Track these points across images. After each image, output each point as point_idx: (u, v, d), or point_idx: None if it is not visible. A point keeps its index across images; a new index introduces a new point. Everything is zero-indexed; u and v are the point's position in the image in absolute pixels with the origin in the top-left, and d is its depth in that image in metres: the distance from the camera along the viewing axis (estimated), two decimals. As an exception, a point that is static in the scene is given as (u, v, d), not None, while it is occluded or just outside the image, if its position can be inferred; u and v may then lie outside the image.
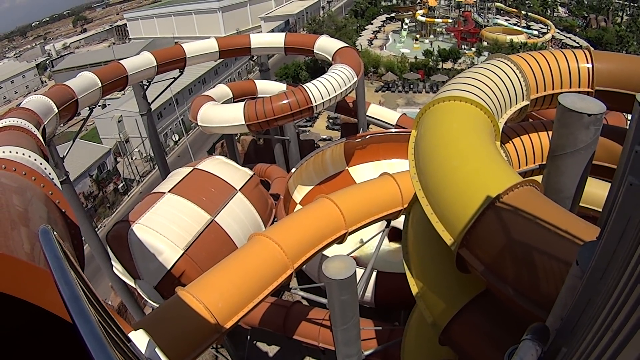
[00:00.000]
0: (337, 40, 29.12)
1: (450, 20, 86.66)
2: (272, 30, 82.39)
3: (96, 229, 28.36)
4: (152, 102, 30.21)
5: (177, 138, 64.84)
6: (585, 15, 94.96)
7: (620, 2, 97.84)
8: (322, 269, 9.99)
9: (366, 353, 13.70)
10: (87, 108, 22.36)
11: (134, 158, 61.60)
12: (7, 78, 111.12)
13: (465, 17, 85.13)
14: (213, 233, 17.64)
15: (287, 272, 10.94)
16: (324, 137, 49.62)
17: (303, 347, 18.52)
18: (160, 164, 32.86)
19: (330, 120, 54.27)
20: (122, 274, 17.18)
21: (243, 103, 22.11)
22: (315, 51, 28.03)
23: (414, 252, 9.62)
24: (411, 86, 64.29)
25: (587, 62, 10.79)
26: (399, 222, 13.22)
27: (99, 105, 41.11)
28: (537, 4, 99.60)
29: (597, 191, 11.46)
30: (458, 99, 8.74)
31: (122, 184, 56.52)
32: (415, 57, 69.26)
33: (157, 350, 2.68)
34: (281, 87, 31.21)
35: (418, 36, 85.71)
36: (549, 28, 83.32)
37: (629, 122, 16.32)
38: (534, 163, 12.22)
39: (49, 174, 5.54)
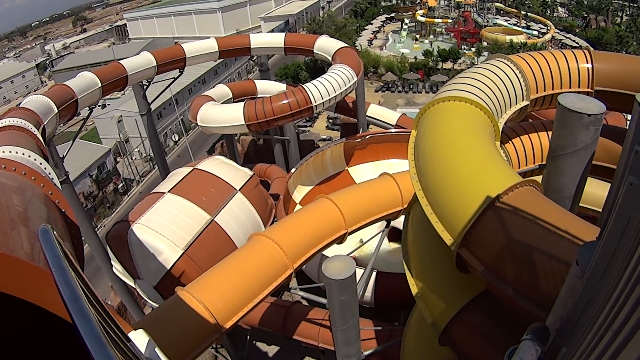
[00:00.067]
0: (337, 41, 29.11)
1: (450, 21, 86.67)
2: (272, 31, 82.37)
3: (96, 229, 28.35)
4: (152, 102, 30.21)
5: (176, 138, 64.83)
6: (585, 15, 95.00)
7: (620, 2, 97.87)
8: (321, 269, 9.99)
9: (366, 353, 13.70)
10: (87, 108, 22.35)
11: (133, 158, 61.59)
12: (7, 78, 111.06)
13: (465, 17, 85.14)
14: (213, 233, 17.64)
15: (286, 272, 10.94)
16: (324, 137, 49.63)
17: (303, 347, 18.51)
18: (160, 164, 32.86)
19: (330, 121, 54.27)
20: (121, 273, 17.18)
21: (243, 103, 22.11)
22: (315, 51, 28.03)
23: (414, 252, 9.62)
24: (411, 86, 64.31)
25: (587, 63, 10.79)
26: (398, 222, 13.22)
27: (99, 105, 41.14)
28: (537, 4, 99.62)
29: (597, 191, 11.46)
30: (458, 99, 8.74)
31: (121, 184, 56.50)
32: (415, 57, 69.29)
33: (157, 350, 2.68)
34: (281, 87, 31.20)
35: (418, 36, 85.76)
36: (549, 28, 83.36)
37: (628, 122, 16.33)
38: (534, 163, 12.22)
39: (49, 173, 5.54)
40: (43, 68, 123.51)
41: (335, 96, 22.16)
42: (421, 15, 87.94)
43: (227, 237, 17.96)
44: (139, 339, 2.61)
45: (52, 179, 5.29)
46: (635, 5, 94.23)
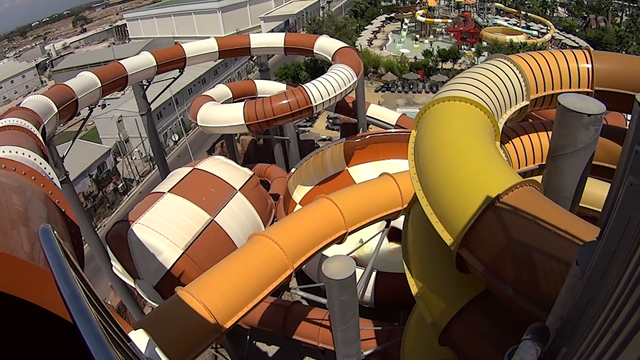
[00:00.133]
0: (337, 41, 29.12)
1: (449, 21, 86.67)
2: (272, 31, 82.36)
3: (96, 229, 28.34)
4: (152, 102, 30.21)
5: (176, 138, 64.81)
6: (585, 15, 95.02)
7: (620, 2, 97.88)
8: (321, 269, 9.99)
9: (366, 353, 13.70)
10: (87, 108, 22.34)
11: (133, 158, 61.58)
12: (6, 78, 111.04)
13: (465, 17, 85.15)
14: (213, 233, 17.64)
15: (286, 272, 10.94)
16: (324, 137, 49.62)
17: (302, 347, 18.51)
18: (160, 164, 32.86)
19: (330, 121, 54.27)
20: (121, 273, 17.18)
21: (243, 103, 22.12)
22: (315, 51, 28.03)
23: (414, 252, 9.62)
24: (411, 86, 64.31)
25: (587, 63, 10.79)
26: (398, 222, 13.22)
27: (99, 105, 41.11)
28: (537, 4, 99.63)
29: (596, 191, 11.46)
30: (458, 99, 8.74)
31: (121, 184, 56.48)
32: (415, 57, 69.28)
33: (157, 349, 2.68)
34: (281, 87, 31.20)
35: (418, 36, 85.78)
36: (549, 28, 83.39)
37: (628, 122, 16.32)
38: (534, 163, 12.22)
39: (49, 173, 5.54)
40: (43, 68, 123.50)
41: (335, 96, 22.16)
42: (421, 15, 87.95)
43: (227, 237, 17.96)
44: (139, 338, 2.61)
45: (52, 178, 5.29)
46: (635, 5, 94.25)
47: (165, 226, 16.83)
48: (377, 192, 13.68)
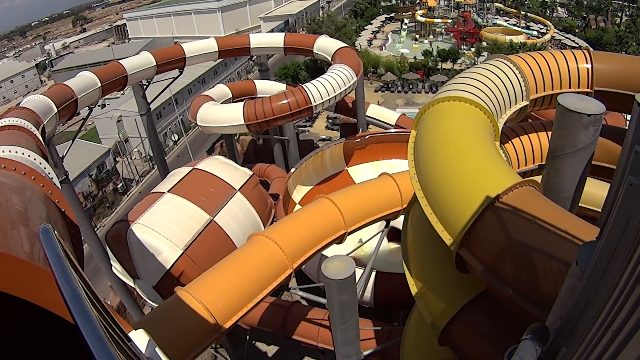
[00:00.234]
0: (337, 41, 29.13)
1: (449, 21, 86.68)
2: (272, 30, 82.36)
3: (95, 229, 28.34)
4: (152, 102, 30.21)
5: (176, 138, 64.78)
6: (585, 15, 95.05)
7: (620, 2, 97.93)
8: (321, 269, 9.99)
9: (365, 353, 13.70)
10: (87, 108, 22.34)
11: (133, 158, 61.54)
12: (6, 78, 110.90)
13: (465, 17, 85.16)
14: (212, 233, 17.64)
15: (286, 272, 10.94)
16: (323, 137, 49.62)
17: (302, 347, 18.52)
18: (160, 164, 32.86)
19: (330, 121, 54.26)
20: (121, 273, 17.17)
21: (242, 103, 22.12)
22: (314, 51, 28.03)
23: (413, 252, 9.62)
24: (410, 86, 64.29)
25: (587, 63, 10.80)
26: (398, 222, 13.23)
27: (99, 105, 41.09)
28: (537, 4, 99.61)
29: (596, 191, 11.47)
30: (457, 99, 8.74)
31: (121, 184, 56.45)
32: (415, 58, 69.27)
33: (157, 349, 2.68)
34: (280, 87, 31.21)
35: (417, 36, 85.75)
36: (549, 28, 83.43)
37: (628, 122, 16.34)
38: (534, 163, 12.22)
39: (49, 173, 5.54)
40: (43, 68, 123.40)
41: (335, 96, 22.16)
42: (421, 16, 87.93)
43: (226, 237, 17.95)
44: (139, 338, 2.61)
45: (52, 178, 5.29)
46: (634, 5, 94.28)
47: (165, 226, 16.83)
48: (377, 192, 13.68)
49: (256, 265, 10.59)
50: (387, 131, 30.96)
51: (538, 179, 9.30)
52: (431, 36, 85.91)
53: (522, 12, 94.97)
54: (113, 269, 17.76)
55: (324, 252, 13.08)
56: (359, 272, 12.31)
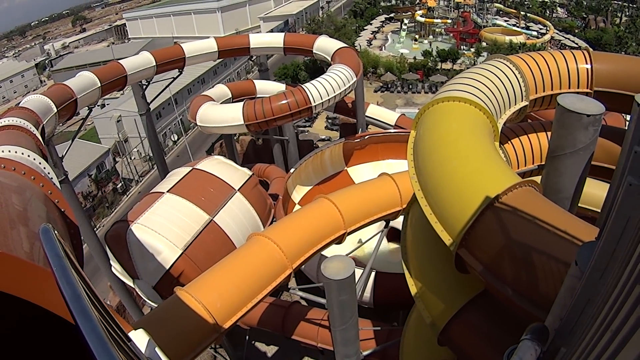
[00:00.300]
0: (336, 41, 29.13)
1: (449, 21, 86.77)
2: (271, 31, 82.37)
3: (95, 229, 28.33)
4: (151, 102, 30.20)
5: (176, 138, 64.77)
6: (584, 16, 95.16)
7: (619, 3, 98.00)
8: (321, 269, 9.99)
9: (365, 353, 13.70)
10: (86, 108, 22.33)
11: (132, 158, 61.49)
12: (6, 77, 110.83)
13: (465, 17, 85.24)
14: (212, 233, 17.63)
15: (285, 272, 10.94)
16: (323, 137, 49.64)
17: (302, 348, 18.52)
18: (159, 164, 32.85)
19: (329, 121, 54.28)
20: (120, 273, 17.16)
21: (242, 103, 22.11)
22: (314, 51, 28.03)
23: (413, 253, 9.62)
24: (410, 86, 64.33)
25: (586, 63, 10.81)
26: (397, 222, 13.22)
27: (98, 105, 41.00)
28: (536, 4, 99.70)
29: (595, 192, 11.47)
30: (457, 100, 8.75)
31: (120, 184, 56.42)
32: (414, 58, 69.32)
33: (157, 349, 2.68)
34: (280, 87, 31.21)
35: (417, 37, 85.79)
36: (548, 29, 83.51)
37: (627, 122, 16.35)
38: (533, 164, 12.22)
39: (48, 173, 5.54)
40: (42, 67, 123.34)
41: (335, 96, 22.16)
42: (420, 16, 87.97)
43: (226, 237, 17.95)
44: (139, 338, 2.61)
45: (52, 178, 5.29)
46: (634, 6, 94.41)
47: (165, 226, 16.82)
48: (376, 192, 13.68)
49: (256, 266, 10.59)
50: (386, 131, 30.98)
51: (538, 179, 9.31)
52: (431, 36, 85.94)
53: (522, 13, 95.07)
54: (112, 269, 17.75)
55: (324, 252, 13.08)
56: (358, 272, 12.30)
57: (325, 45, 27.68)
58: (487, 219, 6.37)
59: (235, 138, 39.51)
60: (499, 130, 9.15)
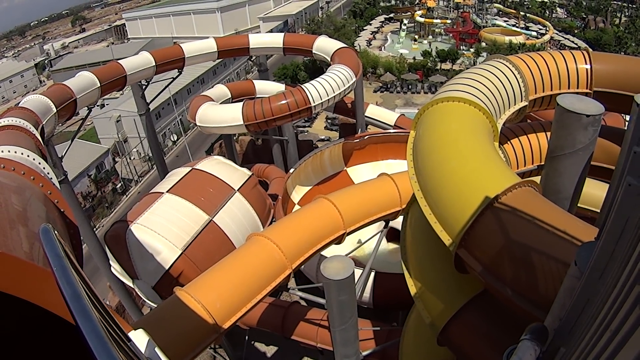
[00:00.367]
0: (336, 41, 29.13)
1: (448, 21, 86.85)
2: (271, 31, 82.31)
3: (94, 229, 28.31)
4: (151, 102, 30.19)
5: (175, 138, 64.73)
6: (584, 16, 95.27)
7: (619, 3, 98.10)
8: (320, 269, 9.98)
9: (364, 353, 13.70)
10: (86, 108, 22.32)
11: (132, 158, 61.45)
12: (5, 77, 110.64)
13: (464, 18, 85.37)
14: (211, 233, 17.63)
15: (285, 272, 10.94)
16: (323, 137, 49.65)
17: (301, 348, 18.52)
18: (159, 164, 32.84)
19: (329, 121, 54.29)
20: (120, 274, 17.16)
21: (241, 103, 22.12)
22: (313, 51, 28.03)
23: (412, 253, 9.63)
24: (410, 87, 64.37)
25: (586, 63, 10.82)
26: (397, 223, 13.23)
27: (98, 105, 40.97)
28: (536, 5, 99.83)
29: (595, 192, 11.48)
30: (457, 100, 8.75)
31: (120, 184, 56.37)
32: (414, 58, 69.35)
33: (156, 349, 2.69)
34: (280, 87, 31.20)
35: (417, 37, 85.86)
36: (548, 29, 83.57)
37: (627, 123, 16.37)
38: (533, 164, 12.23)
39: (48, 173, 5.54)
40: (42, 68, 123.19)
41: (334, 96, 22.17)
42: (420, 16, 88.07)
43: (225, 237, 17.95)
44: (139, 338, 2.62)
45: (51, 178, 5.30)
46: (633, 6, 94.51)
47: (164, 226, 16.82)
48: (376, 192, 13.68)
49: (255, 266, 10.59)
50: (386, 131, 30.99)
51: (537, 179, 9.31)
52: (430, 37, 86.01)
53: (522, 13, 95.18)
54: (112, 269, 17.75)
55: (323, 253, 13.08)
56: (357, 272, 12.31)
57: (324, 45, 27.68)
58: (486, 219, 6.38)
59: (234, 138, 39.50)
60: (499, 131, 9.16)
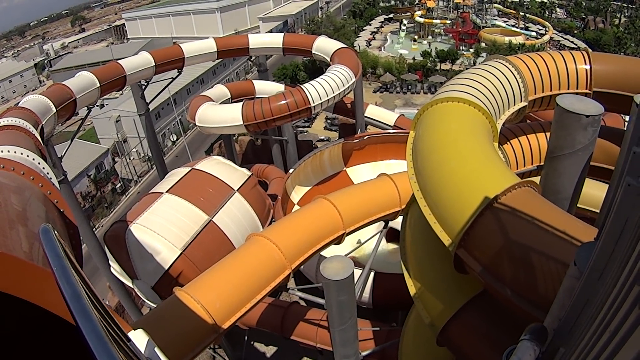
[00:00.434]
0: (336, 41, 29.15)
1: (448, 22, 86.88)
2: (271, 31, 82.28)
3: (94, 229, 28.30)
4: (150, 102, 30.16)
5: (175, 138, 64.70)
6: (583, 16, 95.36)
7: (618, 3, 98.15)
8: (320, 269, 9.99)
9: (364, 354, 13.71)
10: (85, 108, 22.32)
11: (131, 158, 61.42)
12: (5, 77, 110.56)
13: (464, 18, 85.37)
14: (211, 233, 17.63)
15: (284, 272, 10.93)
16: (322, 137, 49.66)
17: (301, 348, 18.52)
18: (158, 164, 32.82)
19: (328, 121, 54.31)
20: (119, 274, 17.15)
21: (241, 103, 22.12)
22: (313, 52, 28.03)
23: (412, 253, 9.63)
24: (409, 87, 64.39)
25: (585, 64, 10.83)
26: (396, 223, 13.22)
27: (97, 105, 40.91)
28: (536, 5, 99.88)
29: (594, 192, 11.48)
30: (456, 100, 8.76)
31: (119, 184, 56.34)
32: (414, 58, 69.38)
33: (156, 349, 2.69)
34: (279, 87, 31.20)
35: (416, 37, 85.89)
36: (547, 29, 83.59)
37: (626, 123, 16.38)
38: (532, 164, 12.23)
39: (47, 173, 5.54)
40: (41, 67, 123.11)
41: (334, 97, 22.17)
42: (420, 16, 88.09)
43: (225, 237, 17.95)
44: (139, 338, 2.62)
45: (51, 178, 5.29)
46: (633, 6, 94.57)
47: (163, 226, 16.82)
48: (375, 192, 13.68)
49: (254, 266, 10.59)
50: (385, 132, 30.98)
51: (537, 180, 9.31)
52: (430, 37, 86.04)
53: (521, 13, 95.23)
54: (111, 269, 17.74)
55: (323, 253, 13.08)
56: (357, 272, 12.31)
57: (324, 45, 27.68)
58: (486, 220, 6.38)
59: (234, 138, 39.49)
60: (498, 131, 9.16)
